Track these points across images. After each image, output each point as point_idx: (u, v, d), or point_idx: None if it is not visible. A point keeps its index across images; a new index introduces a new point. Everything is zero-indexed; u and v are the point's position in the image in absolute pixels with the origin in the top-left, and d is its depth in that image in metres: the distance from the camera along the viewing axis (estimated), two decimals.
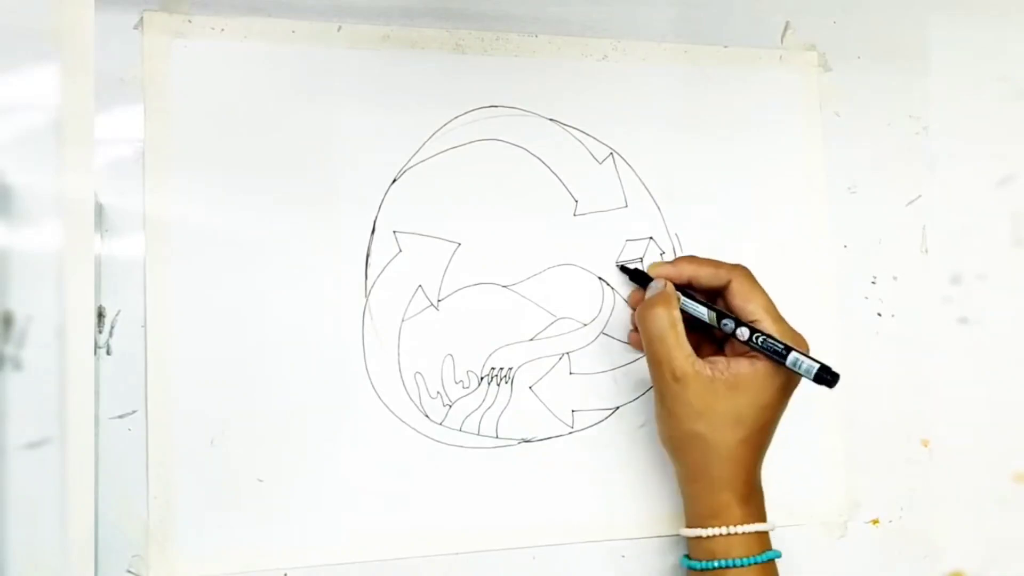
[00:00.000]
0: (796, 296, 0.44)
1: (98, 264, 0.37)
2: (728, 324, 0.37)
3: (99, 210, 0.37)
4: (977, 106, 0.47)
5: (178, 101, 0.38)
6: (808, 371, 0.36)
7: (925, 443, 0.45)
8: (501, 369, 0.41)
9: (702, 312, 0.38)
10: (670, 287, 0.38)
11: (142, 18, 0.38)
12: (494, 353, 0.41)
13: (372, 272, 0.40)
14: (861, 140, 0.46)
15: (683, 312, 0.38)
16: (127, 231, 0.37)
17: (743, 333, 0.37)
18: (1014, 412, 0.46)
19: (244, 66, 0.39)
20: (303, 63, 0.39)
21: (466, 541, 0.40)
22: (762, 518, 0.37)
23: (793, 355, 0.36)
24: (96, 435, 0.36)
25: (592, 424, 0.42)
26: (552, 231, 0.42)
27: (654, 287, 0.39)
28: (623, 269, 0.41)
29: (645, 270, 0.41)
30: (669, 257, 0.43)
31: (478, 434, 0.41)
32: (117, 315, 0.37)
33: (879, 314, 0.46)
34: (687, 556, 0.38)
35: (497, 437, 0.41)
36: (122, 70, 0.38)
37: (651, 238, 0.43)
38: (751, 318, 0.37)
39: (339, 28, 0.40)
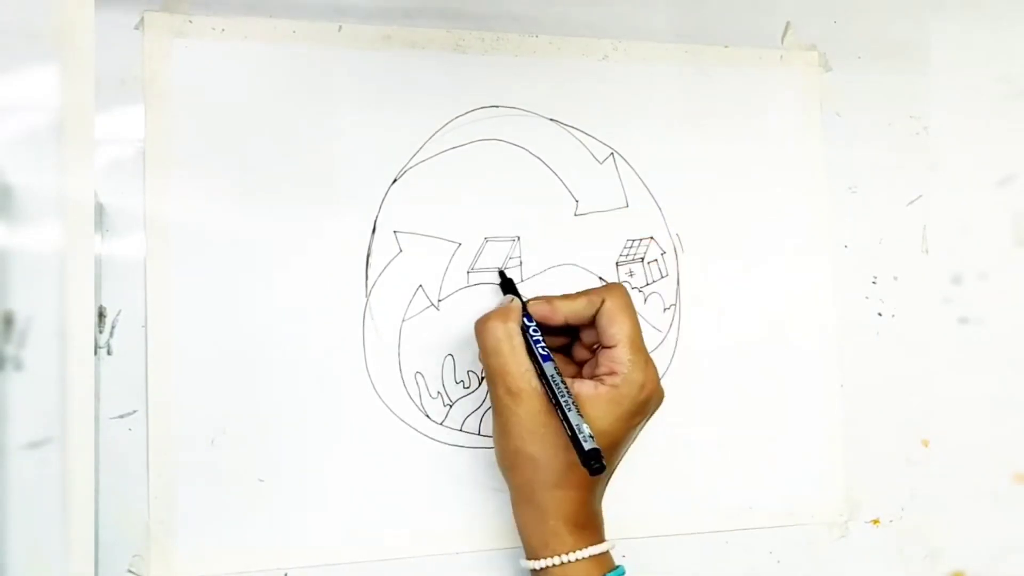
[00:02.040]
0: (796, 296, 0.44)
1: (99, 264, 0.37)
2: (542, 355, 0.35)
3: (99, 210, 0.37)
4: (977, 106, 0.47)
5: (179, 101, 0.38)
6: (580, 445, 0.33)
7: (925, 443, 0.45)
8: None
9: (535, 353, 0.35)
10: (516, 303, 0.36)
11: (143, 18, 0.38)
12: None
13: (373, 272, 0.40)
14: (862, 140, 0.45)
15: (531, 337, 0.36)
16: (128, 231, 0.37)
17: (546, 376, 0.34)
18: (1014, 412, 0.46)
19: (245, 66, 0.39)
20: (304, 63, 0.39)
21: (467, 541, 0.40)
22: (598, 540, 0.35)
23: (571, 419, 0.33)
24: (97, 435, 0.36)
25: None
26: (553, 231, 0.42)
27: (501, 301, 0.38)
28: (500, 274, 0.40)
29: (518, 289, 0.39)
30: (670, 258, 0.43)
31: (479, 434, 0.41)
32: (118, 315, 0.37)
33: (879, 314, 0.46)
34: None
35: None
36: (122, 70, 0.37)
37: (652, 238, 0.43)
38: (610, 342, 0.36)
39: (340, 28, 0.40)
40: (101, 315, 0.37)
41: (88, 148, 0.34)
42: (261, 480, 0.38)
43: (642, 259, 0.43)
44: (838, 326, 0.45)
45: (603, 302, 0.36)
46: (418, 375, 0.40)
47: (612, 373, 0.35)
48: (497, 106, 0.41)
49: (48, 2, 0.33)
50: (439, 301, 0.40)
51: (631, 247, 0.43)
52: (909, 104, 0.46)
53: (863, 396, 0.45)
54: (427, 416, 0.40)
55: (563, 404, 0.34)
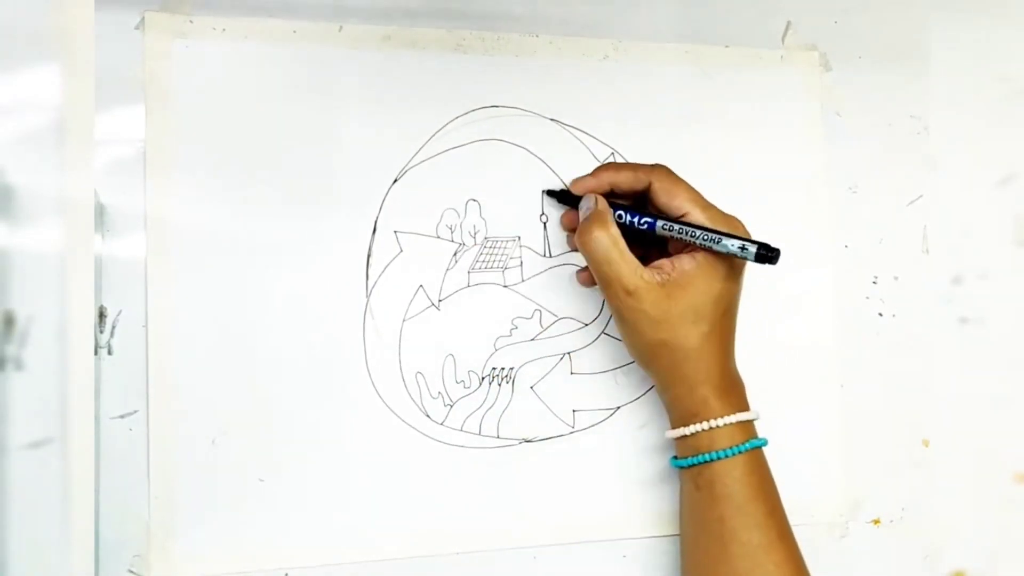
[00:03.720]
0: (797, 296, 0.44)
1: (99, 264, 0.37)
2: (648, 222, 0.37)
3: (100, 210, 0.37)
4: (978, 106, 0.47)
5: (179, 101, 0.38)
6: (745, 253, 0.36)
7: (926, 443, 0.45)
8: (502, 369, 0.41)
9: (632, 219, 0.37)
10: (602, 203, 0.38)
11: (143, 18, 0.38)
12: (495, 353, 0.41)
13: (373, 272, 0.39)
14: (862, 140, 0.45)
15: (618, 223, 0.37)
16: (128, 231, 0.37)
17: (667, 228, 0.36)
18: (1015, 412, 0.46)
19: (245, 66, 0.39)
20: (304, 63, 0.39)
21: (467, 541, 0.40)
22: (743, 408, 0.37)
23: (726, 240, 0.36)
24: (97, 435, 0.36)
25: (593, 424, 0.42)
26: (553, 231, 0.42)
27: (585, 207, 0.38)
28: (549, 193, 0.40)
29: (568, 189, 0.40)
30: None
31: (479, 434, 0.41)
32: (118, 315, 0.37)
33: (880, 314, 0.45)
34: (675, 457, 0.38)
35: (498, 437, 0.41)
36: (123, 70, 0.37)
37: None
38: (678, 213, 0.37)
39: (340, 28, 0.40)
40: (102, 315, 0.37)
41: (88, 148, 0.34)
42: (261, 480, 0.38)
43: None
44: (838, 326, 0.44)
45: (651, 184, 0.37)
46: (419, 375, 0.40)
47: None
48: (498, 106, 0.41)
49: (49, 2, 0.33)
50: (440, 301, 0.40)
51: None
52: (909, 104, 0.46)
53: (863, 396, 0.44)
54: (428, 416, 0.40)
55: (701, 238, 0.36)
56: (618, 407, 0.42)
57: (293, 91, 0.39)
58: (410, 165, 0.40)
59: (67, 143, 0.33)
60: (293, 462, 0.38)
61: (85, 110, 0.34)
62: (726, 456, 0.36)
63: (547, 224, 0.42)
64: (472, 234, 0.41)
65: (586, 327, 0.42)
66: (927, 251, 0.46)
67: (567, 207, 0.41)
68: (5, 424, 0.31)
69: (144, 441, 0.37)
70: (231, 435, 0.38)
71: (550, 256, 0.42)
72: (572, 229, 0.40)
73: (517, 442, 0.41)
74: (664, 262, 0.37)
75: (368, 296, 0.39)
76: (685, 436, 0.36)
